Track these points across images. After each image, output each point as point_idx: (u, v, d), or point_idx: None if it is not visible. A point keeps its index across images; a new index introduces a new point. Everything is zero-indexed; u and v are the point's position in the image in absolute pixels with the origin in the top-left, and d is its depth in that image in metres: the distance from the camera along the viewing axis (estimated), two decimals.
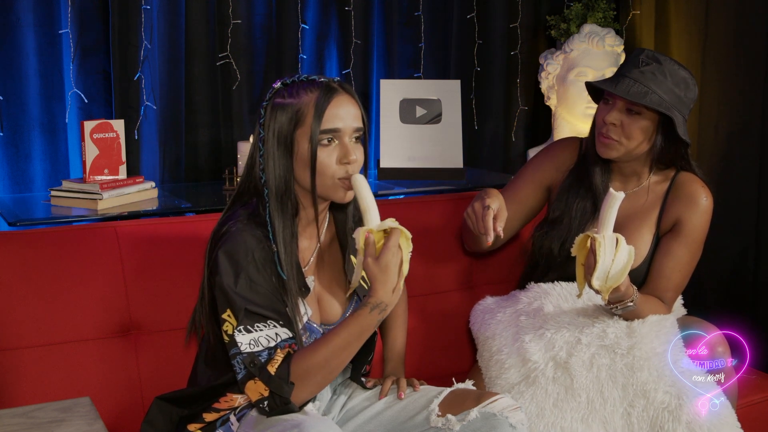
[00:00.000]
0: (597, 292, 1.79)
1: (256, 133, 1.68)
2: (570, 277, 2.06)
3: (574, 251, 1.83)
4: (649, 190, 2.08)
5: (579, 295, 1.87)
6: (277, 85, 1.68)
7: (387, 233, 1.58)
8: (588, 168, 2.10)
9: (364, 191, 1.61)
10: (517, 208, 2.14)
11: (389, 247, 1.56)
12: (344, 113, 1.64)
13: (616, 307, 1.90)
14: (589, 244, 1.79)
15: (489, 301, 2.20)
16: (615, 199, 1.74)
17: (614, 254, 1.76)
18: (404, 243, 1.59)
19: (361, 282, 1.80)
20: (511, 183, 2.21)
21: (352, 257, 1.80)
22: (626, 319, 1.96)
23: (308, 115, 1.62)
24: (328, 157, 1.63)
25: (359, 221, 1.80)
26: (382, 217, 1.60)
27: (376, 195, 2.59)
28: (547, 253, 2.09)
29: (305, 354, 1.60)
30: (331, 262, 1.79)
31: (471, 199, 2.45)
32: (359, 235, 1.59)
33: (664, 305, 2.00)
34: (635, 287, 1.91)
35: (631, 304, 1.88)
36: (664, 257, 2.02)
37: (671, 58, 2.01)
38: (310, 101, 1.63)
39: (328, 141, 1.63)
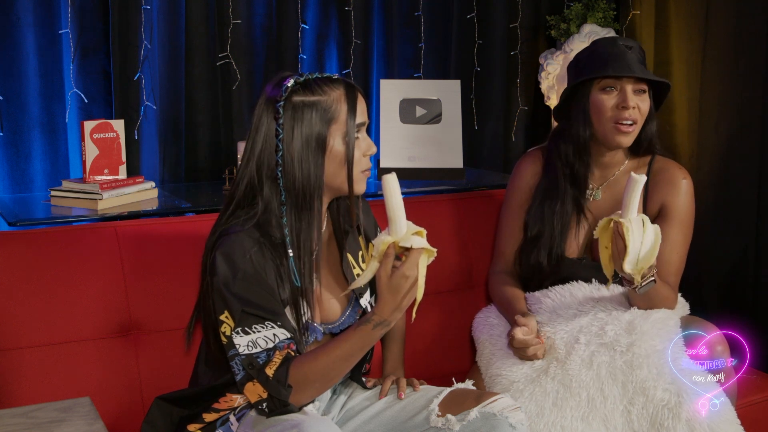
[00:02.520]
0: (629, 277, 1.79)
1: (269, 134, 1.64)
2: (563, 280, 2.08)
3: (597, 233, 1.84)
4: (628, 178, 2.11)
5: (610, 282, 1.88)
6: (290, 83, 1.64)
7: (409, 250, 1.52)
8: (569, 168, 2.11)
9: (394, 196, 1.53)
10: (520, 239, 2.17)
11: (403, 271, 1.52)
12: (363, 108, 1.68)
13: (640, 285, 1.89)
14: (612, 226, 1.79)
15: (491, 308, 2.20)
16: (637, 183, 1.75)
17: (642, 236, 1.76)
18: (423, 261, 1.53)
19: None
20: (502, 222, 2.23)
21: (348, 255, 1.80)
22: (635, 305, 1.96)
23: (341, 111, 1.63)
24: (357, 150, 1.66)
25: (343, 215, 1.80)
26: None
27: (375, 195, 2.61)
28: (536, 268, 2.10)
29: (305, 360, 1.60)
30: (330, 261, 1.79)
31: (471, 199, 2.46)
32: (380, 245, 1.53)
33: (672, 289, 2.03)
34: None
35: (652, 278, 1.89)
36: (660, 243, 2.04)
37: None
38: (340, 97, 1.64)
39: (357, 135, 1.65)
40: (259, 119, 1.65)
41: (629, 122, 2.02)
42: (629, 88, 2.02)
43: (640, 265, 1.78)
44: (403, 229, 1.53)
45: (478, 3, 3.13)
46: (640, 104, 2.03)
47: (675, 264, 2.04)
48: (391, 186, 1.53)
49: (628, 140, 2.05)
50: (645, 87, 2.04)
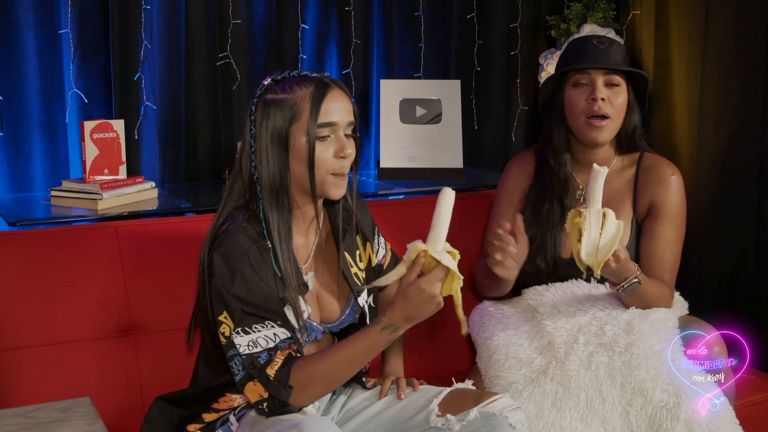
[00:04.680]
0: (589, 267, 1.79)
1: (247, 130, 1.67)
2: (563, 278, 2.08)
3: (567, 228, 1.84)
4: (618, 175, 2.11)
5: (584, 274, 1.88)
6: (267, 81, 1.67)
7: (437, 264, 1.51)
8: (550, 169, 2.11)
9: (445, 208, 1.52)
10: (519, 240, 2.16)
11: (421, 284, 1.51)
12: (339, 107, 1.65)
13: (622, 287, 1.90)
14: (578, 219, 1.80)
15: (486, 304, 2.20)
16: (599, 174, 1.76)
17: (601, 228, 1.76)
18: (455, 286, 1.52)
19: (355, 279, 1.80)
20: (491, 222, 2.21)
21: (346, 254, 1.80)
22: (629, 305, 1.96)
23: (304, 109, 1.63)
24: (324, 151, 1.64)
25: (348, 218, 1.80)
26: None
27: (375, 195, 2.61)
28: (535, 271, 2.10)
29: (310, 362, 1.59)
30: (329, 260, 1.79)
31: (471, 199, 2.46)
32: (412, 251, 1.53)
33: (667, 286, 2.02)
34: (636, 264, 1.91)
35: (636, 280, 1.89)
36: (652, 241, 2.05)
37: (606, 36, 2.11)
38: (306, 95, 1.63)
39: (325, 135, 1.63)
40: (245, 119, 1.69)
41: (600, 116, 2.01)
42: (599, 81, 2.02)
43: (599, 258, 1.78)
44: (440, 244, 1.52)
45: (478, 3, 3.13)
46: (612, 97, 2.02)
47: (669, 261, 2.04)
48: (447, 199, 1.52)
49: (602, 136, 2.04)
50: (618, 81, 2.03)
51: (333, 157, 1.65)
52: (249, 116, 1.67)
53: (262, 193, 1.65)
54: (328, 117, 1.63)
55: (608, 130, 2.04)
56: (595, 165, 1.77)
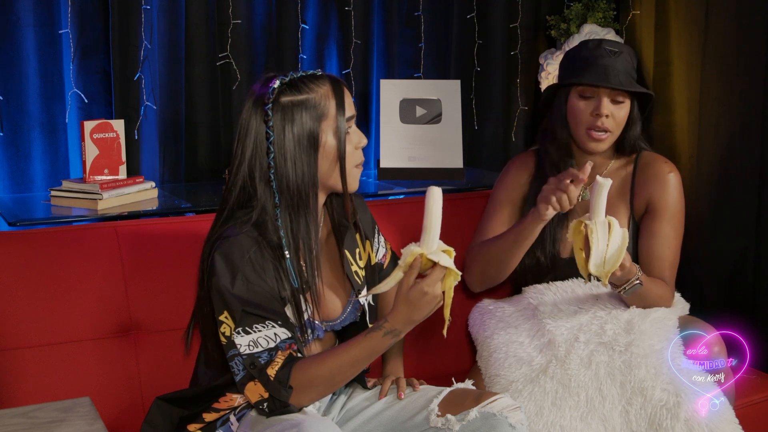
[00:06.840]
0: (597, 278, 1.81)
1: (257, 136, 1.64)
2: (562, 277, 2.08)
3: (570, 237, 1.85)
4: (615, 175, 2.11)
5: (587, 281, 1.89)
6: (276, 84, 1.65)
7: (434, 265, 1.52)
8: (551, 171, 2.11)
9: (434, 208, 1.52)
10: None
11: (422, 287, 1.52)
12: (349, 101, 1.68)
13: (624, 289, 1.91)
14: (583, 229, 1.80)
15: (486, 302, 2.20)
16: (603, 187, 1.77)
17: (608, 239, 1.77)
18: (450, 282, 1.54)
19: (356, 277, 1.80)
20: (491, 218, 2.19)
21: (346, 252, 1.80)
22: (630, 304, 1.97)
23: (330, 106, 1.64)
24: (349, 144, 1.67)
25: (339, 211, 1.80)
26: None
27: (375, 195, 2.61)
28: (535, 265, 2.10)
29: (311, 363, 1.59)
30: (330, 258, 1.79)
31: (471, 199, 2.46)
32: (408, 255, 1.53)
33: (667, 285, 2.02)
34: (638, 265, 1.92)
35: (638, 282, 1.90)
36: (651, 239, 2.05)
37: (616, 41, 2.12)
38: (327, 92, 1.64)
39: (347, 129, 1.66)
40: (248, 123, 1.65)
41: (601, 131, 2.03)
42: (605, 98, 2.02)
43: (607, 268, 1.79)
44: (434, 244, 1.53)
45: (478, 3, 3.13)
46: (615, 112, 2.03)
47: (668, 259, 2.05)
48: (435, 199, 1.53)
49: (601, 147, 2.07)
50: (623, 98, 2.04)
51: (354, 149, 1.69)
52: (264, 122, 1.63)
53: (284, 200, 1.64)
54: (350, 110, 1.67)
55: (607, 142, 2.07)
56: (598, 177, 1.78)
